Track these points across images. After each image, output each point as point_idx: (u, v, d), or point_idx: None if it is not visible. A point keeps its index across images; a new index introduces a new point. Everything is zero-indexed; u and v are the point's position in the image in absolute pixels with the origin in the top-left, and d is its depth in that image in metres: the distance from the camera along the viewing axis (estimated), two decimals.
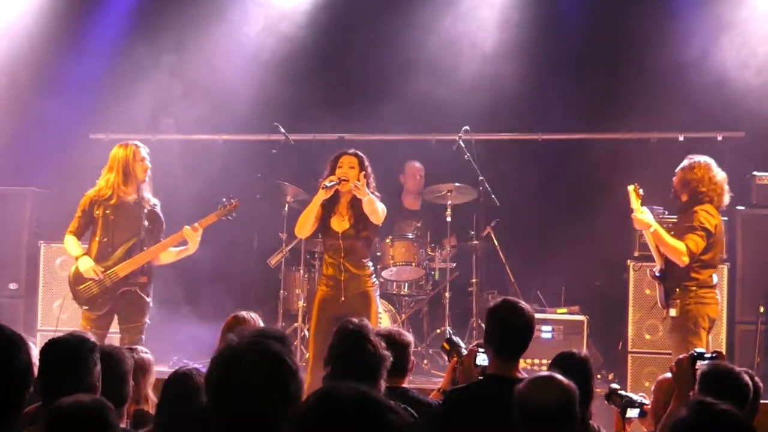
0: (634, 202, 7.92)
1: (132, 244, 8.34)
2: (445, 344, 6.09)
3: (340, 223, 8.18)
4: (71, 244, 8.40)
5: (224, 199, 8.68)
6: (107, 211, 8.31)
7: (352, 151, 8.29)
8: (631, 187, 7.95)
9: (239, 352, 2.89)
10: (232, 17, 11.31)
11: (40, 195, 10.52)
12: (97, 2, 11.23)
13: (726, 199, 8.10)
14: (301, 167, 10.78)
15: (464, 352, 5.75)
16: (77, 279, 8.34)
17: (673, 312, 7.88)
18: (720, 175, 8.04)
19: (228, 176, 10.82)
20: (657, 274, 8.07)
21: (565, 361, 5.17)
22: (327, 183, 8.03)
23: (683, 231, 7.92)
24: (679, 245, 7.79)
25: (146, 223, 8.41)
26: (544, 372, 4.34)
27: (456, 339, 6.08)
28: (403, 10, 11.15)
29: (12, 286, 10.22)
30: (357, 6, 11.22)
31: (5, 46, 10.86)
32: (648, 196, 8.08)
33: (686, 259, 7.79)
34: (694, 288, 7.88)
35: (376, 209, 8.08)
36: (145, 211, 8.42)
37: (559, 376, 4.19)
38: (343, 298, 8.08)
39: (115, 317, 8.45)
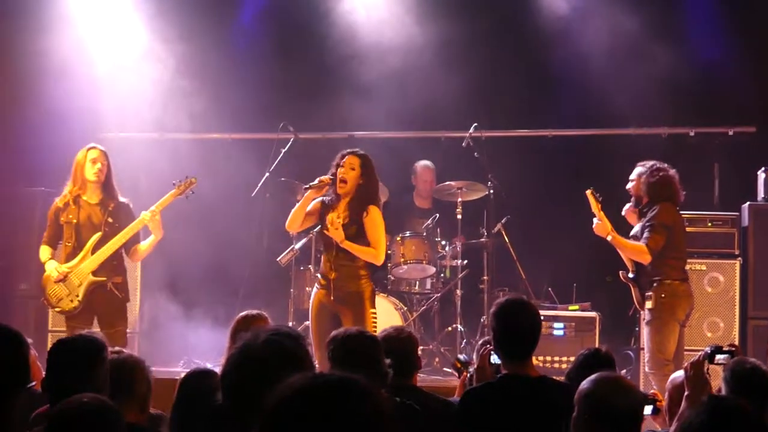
0: (594, 208, 8.11)
1: (96, 241, 8.40)
2: (456, 363, 6.08)
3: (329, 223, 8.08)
4: (42, 252, 8.59)
5: (179, 180, 8.69)
6: (70, 216, 8.45)
7: (357, 151, 8.21)
8: (588, 192, 8.14)
9: (255, 350, 2.89)
10: (241, 15, 11.31)
11: (50, 195, 10.50)
12: (109, 4, 11.20)
13: (681, 195, 8.38)
14: (310, 166, 10.76)
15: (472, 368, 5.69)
16: (45, 285, 8.50)
17: (649, 304, 8.11)
18: (671, 171, 8.33)
19: (237, 175, 10.81)
20: (630, 276, 8.25)
21: (591, 359, 5.17)
22: (310, 184, 8.02)
23: (644, 230, 8.17)
24: (638, 245, 8.12)
25: (110, 220, 8.44)
26: (605, 372, 4.30)
27: (465, 357, 6.07)
28: (410, 9, 11.13)
29: (23, 286, 10.22)
30: (363, 5, 11.19)
31: (14, 46, 10.86)
32: None
33: (648, 257, 8.09)
34: (668, 282, 8.14)
35: (368, 254, 8.06)
36: (110, 209, 8.47)
37: (622, 376, 4.19)
38: (332, 297, 8.01)
39: (96, 321, 8.48)
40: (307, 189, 8.04)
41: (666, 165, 8.32)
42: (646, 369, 8.28)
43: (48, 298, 8.47)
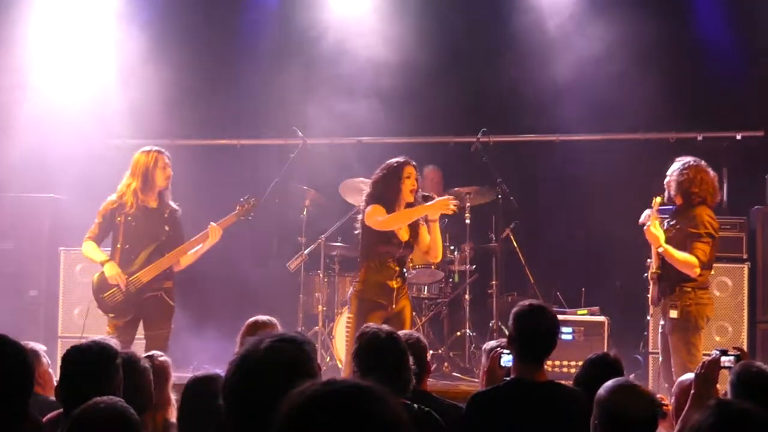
0: (654, 214, 7.91)
1: (153, 250, 8.25)
2: None
3: (401, 233, 8.14)
4: (92, 249, 8.33)
5: (242, 199, 8.65)
6: (128, 218, 8.22)
7: (412, 161, 8.22)
8: (658, 199, 7.94)
9: (256, 356, 2.87)
10: (248, 23, 11.34)
11: (59, 202, 10.55)
12: (119, 9, 11.25)
13: (717, 197, 8.13)
14: (319, 171, 10.79)
15: None
16: (101, 287, 8.27)
17: (674, 314, 7.84)
18: (711, 173, 8.03)
19: (246, 181, 10.84)
20: (655, 275, 8.11)
21: (598, 363, 5.18)
22: (452, 205, 8.08)
23: (686, 237, 7.89)
24: (691, 259, 7.77)
25: (167, 228, 8.32)
26: (622, 379, 4.31)
27: None
28: (420, 14, 11.16)
29: (32, 293, 10.24)
30: (373, 9, 11.22)
31: (24, 55, 10.91)
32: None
33: (699, 270, 7.79)
34: (690, 289, 7.86)
35: (441, 245, 8.32)
36: (166, 216, 8.34)
37: (639, 384, 4.19)
38: (393, 306, 8.04)
39: (140, 323, 8.38)
40: (453, 210, 8.16)
41: (703, 164, 8.01)
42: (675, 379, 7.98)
43: (103, 303, 8.29)
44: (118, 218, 8.26)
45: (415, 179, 8.13)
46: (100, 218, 8.35)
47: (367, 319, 7.90)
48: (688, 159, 8.05)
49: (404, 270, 8.31)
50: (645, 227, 7.95)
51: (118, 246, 8.29)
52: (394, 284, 8.07)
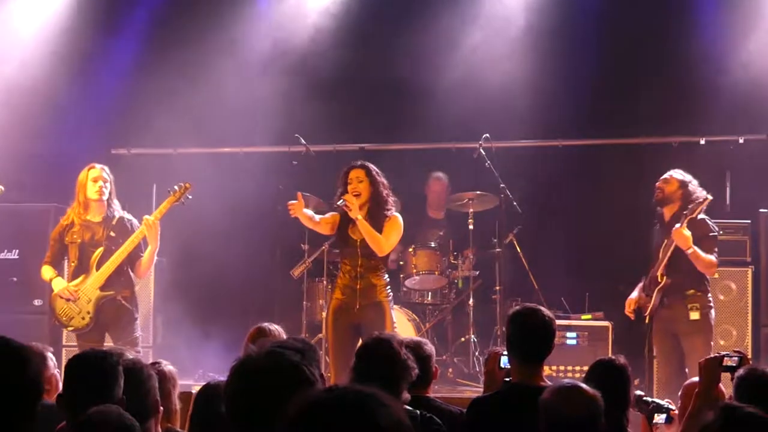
0: (692, 216, 8.03)
1: (98, 257, 8.40)
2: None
3: (355, 233, 8.20)
4: (44, 271, 8.58)
5: (175, 186, 8.63)
6: (75, 236, 8.45)
7: (359, 163, 8.38)
8: (710, 197, 8.11)
9: (256, 362, 2.88)
10: (251, 30, 11.35)
11: (62, 211, 10.52)
12: (117, 17, 11.27)
13: None
14: (322, 179, 10.78)
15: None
16: (54, 304, 8.50)
17: (695, 315, 8.06)
18: None
19: (249, 188, 10.83)
20: (662, 283, 8.25)
21: (603, 369, 5.18)
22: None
23: (698, 240, 8.11)
24: (712, 260, 8.17)
25: (112, 234, 8.44)
26: (568, 380, 4.32)
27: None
28: (422, 20, 11.15)
29: (36, 302, 10.22)
30: (375, 16, 11.23)
31: (27, 61, 10.91)
32: None
33: (714, 270, 8.27)
34: (702, 294, 8.25)
35: (376, 238, 8.09)
36: (112, 223, 8.47)
37: (584, 385, 4.18)
38: (357, 307, 8.08)
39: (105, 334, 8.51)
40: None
41: None
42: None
43: (59, 318, 8.49)
44: (67, 238, 8.51)
45: (359, 181, 8.24)
46: (51, 241, 8.63)
47: (333, 320, 8.19)
48: (681, 171, 8.42)
49: (377, 272, 8.24)
50: (674, 228, 8.03)
51: (73, 263, 8.52)
52: (358, 285, 8.13)
